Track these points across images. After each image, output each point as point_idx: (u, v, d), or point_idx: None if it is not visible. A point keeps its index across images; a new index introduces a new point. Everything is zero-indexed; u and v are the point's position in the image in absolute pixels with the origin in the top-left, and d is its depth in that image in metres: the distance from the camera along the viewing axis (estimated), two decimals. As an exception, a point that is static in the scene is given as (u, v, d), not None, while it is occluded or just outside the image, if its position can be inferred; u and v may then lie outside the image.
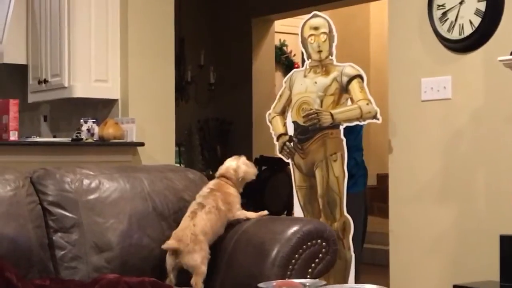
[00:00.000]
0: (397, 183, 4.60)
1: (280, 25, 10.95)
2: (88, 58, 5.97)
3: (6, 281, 2.87)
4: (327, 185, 4.50)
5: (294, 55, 11.77)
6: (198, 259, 3.40)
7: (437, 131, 4.40)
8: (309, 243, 3.44)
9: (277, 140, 4.73)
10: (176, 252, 3.43)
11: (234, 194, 3.64)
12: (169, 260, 3.45)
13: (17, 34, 6.39)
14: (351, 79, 4.46)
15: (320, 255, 3.48)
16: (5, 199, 3.30)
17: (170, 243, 3.44)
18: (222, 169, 3.70)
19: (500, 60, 3.93)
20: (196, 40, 10.17)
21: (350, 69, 4.49)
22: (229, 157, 3.81)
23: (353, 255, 4.45)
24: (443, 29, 4.31)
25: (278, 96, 4.78)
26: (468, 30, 4.19)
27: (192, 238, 3.42)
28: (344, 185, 4.45)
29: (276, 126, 4.74)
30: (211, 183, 3.67)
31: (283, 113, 4.73)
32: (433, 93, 4.40)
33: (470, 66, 4.23)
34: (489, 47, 4.14)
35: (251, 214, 3.64)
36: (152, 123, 6.02)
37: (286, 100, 4.71)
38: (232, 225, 3.60)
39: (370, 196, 10.21)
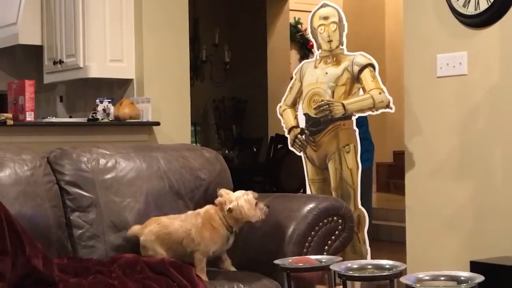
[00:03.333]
0: (414, 159, 4.60)
1: (295, 2, 10.92)
2: (103, 38, 5.98)
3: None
4: (340, 178, 4.44)
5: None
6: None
7: (453, 107, 4.38)
8: (325, 220, 3.46)
9: (289, 133, 4.64)
10: None
11: (216, 229, 3.30)
12: None
13: (31, 15, 6.40)
14: (362, 68, 4.37)
15: (337, 232, 3.49)
16: (22, 179, 3.32)
17: (132, 230, 3.43)
18: (220, 198, 3.34)
19: (517, 35, 3.91)
20: (211, 19, 10.15)
21: (361, 58, 4.40)
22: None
23: (369, 249, 4.41)
24: (458, 5, 4.28)
25: (288, 88, 4.69)
26: (483, 5, 4.16)
27: (147, 234, 3.36)
28: (358, 177, 4.39)
29: (287, 118, 4.66)
30: (204, 208, 3.40)
31: (294, 105, 4.64)
32: (449, 69, 4.37)
33: (486, 41, 4.21)
34: (505, 22, 4.11)
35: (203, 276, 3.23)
36: (167, 103, 6.03)
37: (296, 92, 4.63)
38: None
39: (386, 173, 10.25)
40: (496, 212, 4.16)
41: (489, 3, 4.13)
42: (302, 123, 4.60)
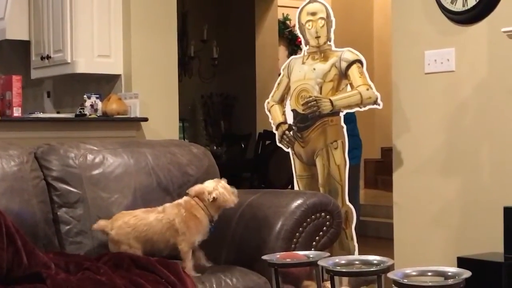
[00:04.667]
0: (401, 156, 4.61)
1: (283, -2, 10.92)
2: (90, 33, 5.95)
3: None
4: (328, 174, 4.43)
5: (298, 29, 11.73)
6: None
7: (441, 103, 4.40)
8: (313, 216, 3.46)
9: (276, 129, 4.63)
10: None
11: (200, 220, 3.28)
12: None
13: (19, 10, 6.37)
14: (350, 64, 4.36)
15: (324, 228, 3.49)
16: (9, 175, 3.30)
17: (98, 224, 3.31)
18: (196, 188, 3.36)
19: (504, 31, 3.92)
20: (199, 15, 10.13)
21: (349, 54, 4.39)
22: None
23: (356, 245, 4.41)
24: (446, 1, 4.29)
25: (276, 84, 4.68)
26: (471, 2, 4.17)
27: (122, 227, 3.28)
28: (345, 173, 4.38)
29: (275, 115, 4.64)
30: (182, 199, 3.37)
31: (282, 101, 4.63)
32: (437, 65, 4.39)
33: (474, 37, 4.22)
34: (492, 18, 4.13)
35: (189, 270, 3.21)
36: (155, 99, 6.02)
37: (284, 88, 4.62)
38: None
39: (374, 170, 10.27)
40: (483, 208, 4.17)
41: (477, 0, 4.13)
42: (290, 119, 4.59)
